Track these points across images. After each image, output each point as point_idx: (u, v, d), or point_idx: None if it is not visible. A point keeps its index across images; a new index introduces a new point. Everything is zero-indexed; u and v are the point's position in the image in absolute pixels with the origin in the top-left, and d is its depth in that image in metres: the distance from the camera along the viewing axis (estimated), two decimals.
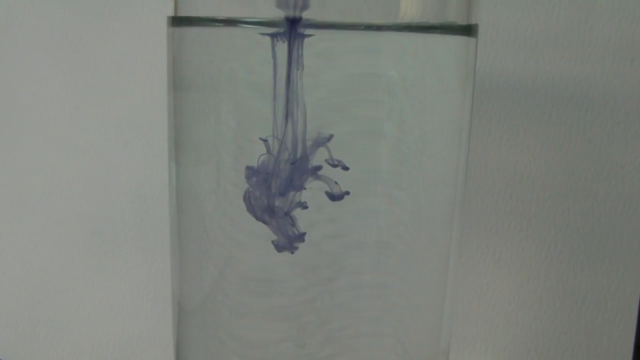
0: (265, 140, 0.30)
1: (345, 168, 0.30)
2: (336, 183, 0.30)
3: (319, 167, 0.30)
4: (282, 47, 0.29)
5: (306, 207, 0.30)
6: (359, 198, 0.30)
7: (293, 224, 0.31)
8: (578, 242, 0.48)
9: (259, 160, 0.30)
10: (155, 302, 0.53)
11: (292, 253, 0.31)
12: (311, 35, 0.29)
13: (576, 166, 0.47)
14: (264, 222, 0.31)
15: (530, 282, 0.48)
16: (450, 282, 0.34)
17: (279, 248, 0.31)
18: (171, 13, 0.32)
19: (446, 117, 0.33)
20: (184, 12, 0.32)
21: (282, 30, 0.29)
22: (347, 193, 0.30)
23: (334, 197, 0.30)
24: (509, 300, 0.49)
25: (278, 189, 0.30)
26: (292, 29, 0.28)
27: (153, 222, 0.52)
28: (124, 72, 0.51)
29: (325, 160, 0.30)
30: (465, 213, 0.48)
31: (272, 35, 0.29)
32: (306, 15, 0.28)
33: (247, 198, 0.31)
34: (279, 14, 0.29)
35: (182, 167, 0.33)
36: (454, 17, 0.31)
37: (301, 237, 0.31)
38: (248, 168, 0.30)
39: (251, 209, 0.31)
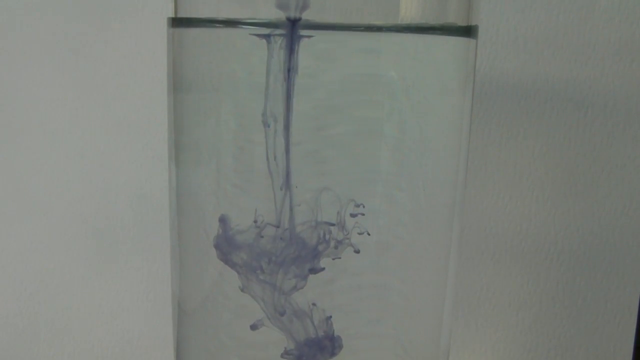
0: (257, 221, 0.30)
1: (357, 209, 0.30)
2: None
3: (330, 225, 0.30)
4: (279, 48, 0.29)
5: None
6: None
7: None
8: (578, 242, 0.48)
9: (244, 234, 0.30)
10: (155, 302, 0.53)
11: None
12: (312, 36, 0.29)
13: (576, 166, 0.47)
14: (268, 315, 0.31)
15: (530, 282, 0.48)
16: (450, 282, 0.34)
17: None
18: (171, 14, 0.32)
19: (446, 117, 0.33)
20: (184, 13, 0.32)
21: (277, 32, 0.28)
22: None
23: (315, 270, 0.30)
24: (508, 300, 0.49)
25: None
26: (292, 29, 0.28)
27: (153, 222, 0.52)
28: (124, 73, 0.51)
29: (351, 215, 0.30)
30: (465, 213, 0.48)
31: (267, 36, 0.29)
32: (306, 16, 0.28)
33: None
34: (279, 14, 0.28)
35: (182, 168, 0.33)
36: (454, 18, 0.31)
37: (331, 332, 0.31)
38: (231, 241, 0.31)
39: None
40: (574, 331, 0.49)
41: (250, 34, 0.29)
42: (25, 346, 0.56)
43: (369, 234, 0.30)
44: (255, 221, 0.30)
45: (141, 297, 0.53)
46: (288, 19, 0.28)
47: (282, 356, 0.31)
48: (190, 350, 0.34)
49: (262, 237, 0.30)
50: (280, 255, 0.30)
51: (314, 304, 0.31)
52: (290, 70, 0.29)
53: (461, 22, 0.31)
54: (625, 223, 0.47)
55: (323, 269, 0.30)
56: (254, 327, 0.31)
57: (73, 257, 0.54)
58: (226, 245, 0.30)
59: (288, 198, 0.30)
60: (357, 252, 0.30)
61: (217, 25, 0.30)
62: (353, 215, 0.30)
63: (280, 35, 0.28)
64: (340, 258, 0.30)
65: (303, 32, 0.28)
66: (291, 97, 0.29)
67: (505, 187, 0.48)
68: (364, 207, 0.30)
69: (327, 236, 0.30)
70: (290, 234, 0.30)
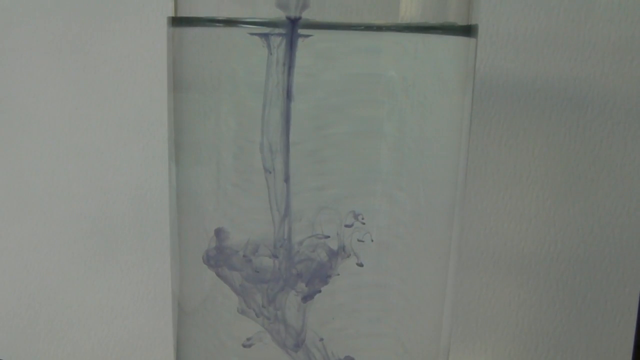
0: (246, 255, 0.30)
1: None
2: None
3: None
4: (278, 47, 0.29)
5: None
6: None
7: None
8: (578, 242, 0.48)
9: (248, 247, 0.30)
10: (155, 302, 0.53)
11: None
12: (311, 36, 0.29)
13: (576, 166, 0.47)
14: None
15: (530, 282, 0.48)
16: (450, 282, 0.34)
17: None
18: (171, 13, 0.32)
19: (446, 117, 0.33)
20: (184, 13, 0.32)
21: (276, 31, 0.28)
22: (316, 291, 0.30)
23: (308, 298, 0.30)
24: (509, 300, 0.49)
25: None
26: (292, 29, 0.28)
27: (153, 222, 0.52)
28: (124, 73, 0.51)
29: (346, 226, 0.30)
30: (465, 213, 0.47)
31: (265, 35, 0.29)
32: (306, 15, 0.28)
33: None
34: (279, 14, 0.29)
35: (182, 168, 0.33)
36: (454, 17, 0.31)
37: None
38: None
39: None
40: (574, 331, 0.49)
41: (250, 34, 0.29)
42: (25, 346, 0.56)
43: (372, 240, 0.30)
44: (244, 255, 0.30)
45: (141, 297, 0.53)
46: (288, 18, 0.28)
47: None
48: (190, 350, 0.34)
49: (257, 272, 0.30)
50: (276, 284, 0.30)
51: (321, 339, 0.31)
52: (290, 69, 0.28)
53: (461, 22, 0.31)
54: (625, 223, 0.47)
55: (319, 291, 0.30)
56: (247, 345, 0.31)
57: (73, 256, 0.54)
58: (218, 260, 0.30)
59: (287, 225, 0.30)
60: (361, 265, 0.30)
61: (217, 24, 0.30)
62: (348, 226, 0.30)
63: (280, 34, 0.28)
64: (339, 274, 0.30)
65: (303, 32, 0.28)
66: (289, 124, 0.29)
67: (505, 187, 0.48)
68: (363, 218, 0.30)
69: (328, 256, 0.30)
70: (286, 263, 0.30)
